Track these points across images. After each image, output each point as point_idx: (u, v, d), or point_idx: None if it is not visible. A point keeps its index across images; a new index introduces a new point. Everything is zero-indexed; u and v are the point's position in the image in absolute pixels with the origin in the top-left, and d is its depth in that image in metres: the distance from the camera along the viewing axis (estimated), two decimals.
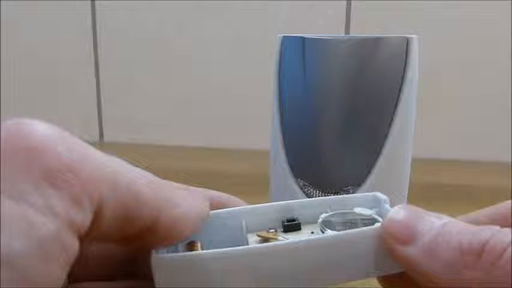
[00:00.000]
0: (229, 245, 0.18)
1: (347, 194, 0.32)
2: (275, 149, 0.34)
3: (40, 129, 0.14)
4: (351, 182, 0.32)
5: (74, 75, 0.74)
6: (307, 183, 0.33)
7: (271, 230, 0.20)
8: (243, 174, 0.58)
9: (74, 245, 0.13)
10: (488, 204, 0.19)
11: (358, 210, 0.20)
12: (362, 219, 0.20)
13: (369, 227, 0.18)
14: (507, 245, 0.14)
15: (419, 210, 0.17)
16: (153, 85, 0.73)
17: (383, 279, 0.19)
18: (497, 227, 0.15)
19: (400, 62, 0.31)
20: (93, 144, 0.15)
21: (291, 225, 0.20)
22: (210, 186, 0.21)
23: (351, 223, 0.20)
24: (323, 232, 0.19)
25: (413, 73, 0.32)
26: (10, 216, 0.12)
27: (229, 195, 0.21)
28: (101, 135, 0.75)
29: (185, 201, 0.17)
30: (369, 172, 0.32)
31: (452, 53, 0.64)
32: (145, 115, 0.74)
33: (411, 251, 0.16)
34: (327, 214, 0.20)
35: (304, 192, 0.33)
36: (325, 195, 0.32)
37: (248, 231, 0.20)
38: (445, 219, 0.16)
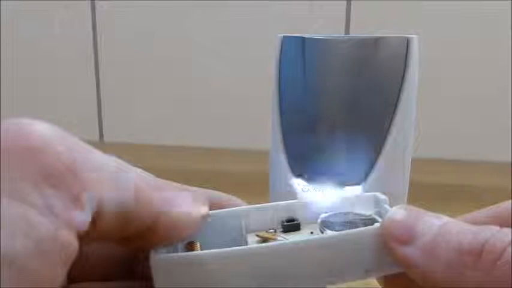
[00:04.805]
0: (229, 245, 0.18)
1: (347, 193, 0.32)
2: (275, 149, 0.34)
3: (40, 129, 0.14)
4: (351, 181, 0.32)
5: (74, 75, 0.74)
6: (307, 183, 0.33)
7: (271, 230, 0.20)
8: (243, 174, 0.58)
9: (73, 245, 0.13)
10: (488, 204, 0.19)
11: (358, 210, 0.20)
12: (362, 219, 0.20)
13: (368, 227, 0.18)
14: (507, 244, 0.14)
15: (419, 210, 0.17)
16: (153, 85, 0.73)
17: (383, 279, 0.19)
18: (497, 227, 0.15)
19: (400, 62, 0.31)
20: (93, 144, 0.15)
21: (291, 226, 0.20)
22: (210, 186, 0.21)
23: (351, 223, 0.20)
24: (322, 232, 0.19)
25: (413, 73, 0.32)
26: (10, 216, 0.12)
27: (229, 195, 0.21)
28: (101, 135, 0.75)
29: (185, 201, 0.17)
30: (369, 172, 0.32)
31: (452, 53, 0.64)
32: (145, 115, 0.74)
33: (411, 251, 0.16)
34: (326, 214, 0.20)
35: (304, 192, 0.33)
36: (325, 195, 0.32)
37: (248, 232, 0.20)
38: (445, 219, 0.16)
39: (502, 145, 0.64)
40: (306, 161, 0.33)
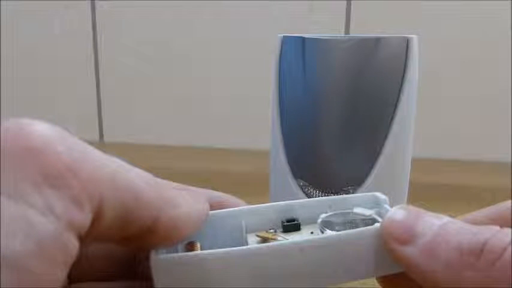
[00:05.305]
0: (229, 245, 0.18)
1: (347, 194, 0.32)
2: (275, 149, 0.34)
3: (40, 129, 0.14)
4: (351, 182, 0.32)
5: (74, 75, 0.74)
6: (307, 183, 0.33)
7: (271, 230, 0.20)
8: (243, 174, 0.59)
9: (73, 245, 0.13)
10: (488, 204, 0.19)
11: (358, 210, 0.20)
12: (362, 219, 0.20)
13: (368, 227, 0.18)
14: (507, 244, 0.14)
15: (419, 210, 0.17)
16: (153, 85, 0.73)
17: (383, 279, 0.19)
18: (497, 227, 0.15)
19: (400, 62, 0.31)
20: (93, 144, 0.15)
21: (291, 226, 0.20)
22: (210, 186, 0.21)
23: (351, 223, 0.20)
24: (322, 232, 0.19)
25: (413, 73, 0.32)
26: (10, 217, 0.12)
27: (229, 195, 0.21)
28: (101, 135, 0.75)
29: (185, 201, 0.17)
30: (369, 172, 0.32)
31: (452, 53, 0.64)
32: (145, 115, 0.74)
33: (411, 251, 0.16)
34: (326, 214, 0.20)
35: (304, 192, 0.33)
36: (325, 195, 0.32)
37: (248, 232, 0.20)
38: (445, 219, 0.16)
39: (502, 145, 0.64)
40: (306, 161, 0.33)
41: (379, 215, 0.19)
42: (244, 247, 0.18)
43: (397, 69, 0.31)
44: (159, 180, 0.17)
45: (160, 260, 0.17)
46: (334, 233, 0.18)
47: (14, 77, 0.75)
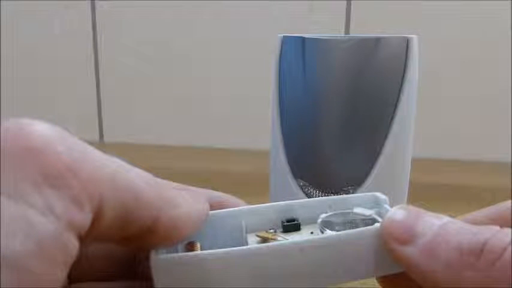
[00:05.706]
0: (229, 245, 0.18)
1: (347, 194, 0.32)
2: (275, 149, 0.34)
3: (40, 129, 0.14)
4: (351, 182, 0.32)
5: (74, 75, 0.74)
6: (307, 183, 0.33)
7: (271, 230, 0.20)
8: (243, 174, 0.59)
9: (73, 245, 0.13)
10: (488, 204, 0.19)
11: (358, 210, 0.20)
12: (362, 219, 0.20)
13: (368, 227, 0.18)
14: (507, 244, 0.14)
15: (419, 210, 0.17)
16: (153, 85, 0.73)
17: (383, 279, 0.19)
18: (497, 227, 0.15)
19: (400, 62, 0.31)
20: (93, 144, 0.15)
21: (291, 226, 0.20)
22: (210, 186, 0.21)
23: (351, 223, 0.20)
24: (322, 232, 0.19)
25: (413, 73, 0.32)
26: (10, 217, 0.12)
27: (229, 195, 0.21)
28: (101, 135, 0.75)
29: (185, 201, 0.17)
30: (369, 172, 0.32)
31: (452, 53, 0.64)
32: (145, 115, 0.74)
33: (411, 251, 0.16)
34: (326, 214, 0.20)
35: (304, 192, 0.33)
36: (325, 195, 0.32)
37: (248, 232, 0.20)
38: (445, 219, 0.16)
39: (502, 145, 0.64)
40: (306, 161, 0.33)
41: (379, 215, 0.19)
42: (244, 247, 0.18)
43: (397, 69, 0.31)
44: (159, 180, 0.17)
45: (160, 260, 0.17)
46: (334, 233, 0.18)
47: (14, 77, 0.75)
